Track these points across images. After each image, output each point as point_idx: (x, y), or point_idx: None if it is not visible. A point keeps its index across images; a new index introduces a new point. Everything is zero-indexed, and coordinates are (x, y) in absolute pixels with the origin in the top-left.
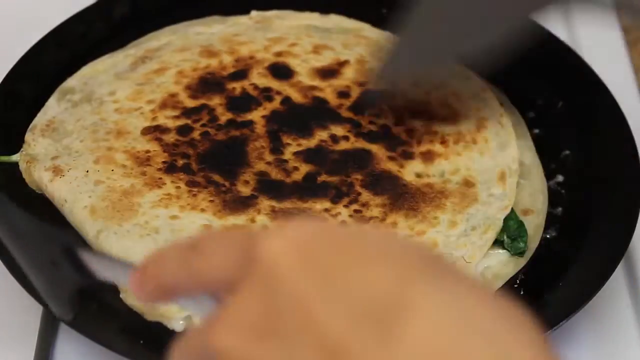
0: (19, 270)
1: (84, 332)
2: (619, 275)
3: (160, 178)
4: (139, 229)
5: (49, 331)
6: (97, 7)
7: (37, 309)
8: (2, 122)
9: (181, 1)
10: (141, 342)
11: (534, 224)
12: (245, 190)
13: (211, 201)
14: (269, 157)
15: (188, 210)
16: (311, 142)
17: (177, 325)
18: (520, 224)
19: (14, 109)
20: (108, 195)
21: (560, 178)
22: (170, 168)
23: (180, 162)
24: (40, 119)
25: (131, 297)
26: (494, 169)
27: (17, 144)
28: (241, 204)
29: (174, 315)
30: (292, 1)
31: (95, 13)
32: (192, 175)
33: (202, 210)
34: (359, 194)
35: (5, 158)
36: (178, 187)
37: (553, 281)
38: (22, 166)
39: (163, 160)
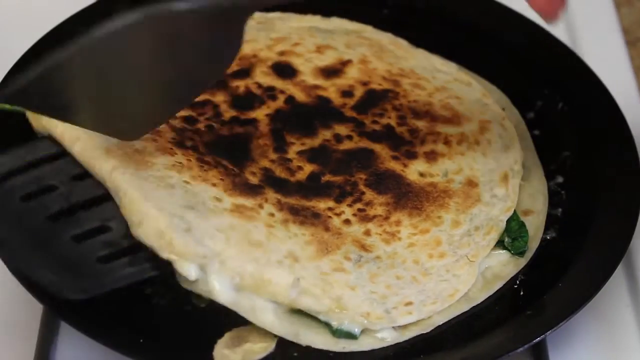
0: (19, 270)
1: (85, 332)
2: (619, 275)
3: (172, 149)
4: (155, 180)
5: (50, 331)
6: (96, 7)
7: (37, 309)
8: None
9: None
10: (141, 340)
11: (534, 225)
12: (252, 179)
13: (221, 180)
14: (273, 156)
15: (199, 182)
16: (315, 142)
17: (189, 270)
18: (522, 225)
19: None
20: (123, 147)
21: (560, 179)
22: (179, 144)
23: (189, 143)
24: None
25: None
26: (497, 169)
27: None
28: (250, 189)
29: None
30: (294, 4)
31: (95, 13)
32: (201, 155)
33: (214, 184)
34: (363, 193)
35: (9, 107)
36: (189, 160)
37: (553, 282)
38: (29, 113)
39: (172, 136)
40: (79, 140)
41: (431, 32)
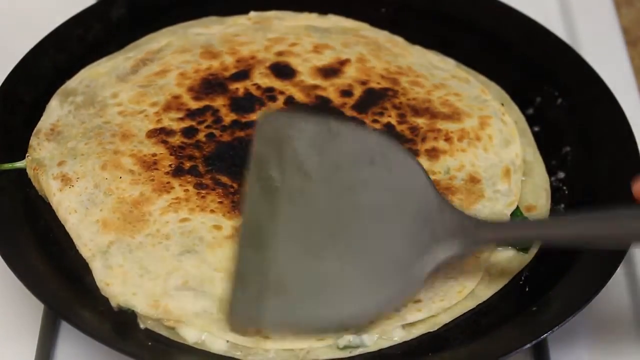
0: (20, 269)
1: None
2: (619, 275)
3: (169, 182)
4: (151, 239)
5: (50, 330)
6: (94, 9)
7: (38, 309)
8: (2, 127)
9: (178, 2)
10: (150, 344)
11: None
12: None
13: (220, 202)
14: None
15: (197, 212)
16: None
17: (187, 334)
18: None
19: (14, 113)
20: (119, 207)
21: (561, 174)
22: (177, 171)
23: (188, 164)
24: (44, 122)
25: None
26: (499, 165)
27: (19, 149)
28: None
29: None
30: (290, 1)
31: (92, 15)
32: (199, 178)
33: (212, 211)
34: None
35: (9, 165)
36: (186, 190)
37: (558, 278)
38: (30, 173)
39: (170, 163)
40: (75, 212)
41: (427, 29)
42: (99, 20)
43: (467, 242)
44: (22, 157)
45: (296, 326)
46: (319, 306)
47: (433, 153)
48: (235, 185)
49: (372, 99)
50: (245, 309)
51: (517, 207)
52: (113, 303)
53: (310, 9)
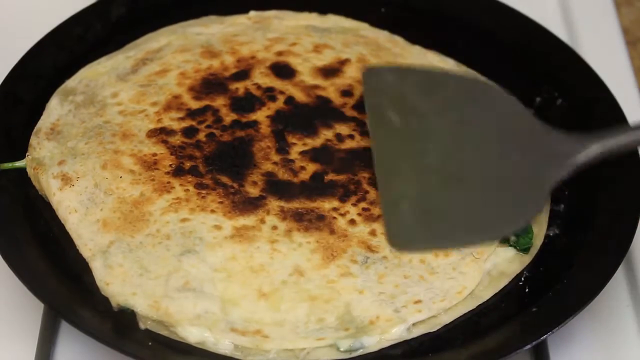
0: (20, 269)
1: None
2: (619, 275)
3: (169, 182)
4: (151, 239)
5: (50, 330)
6: (94, 8)
7: (38, 308)
8: (2, 127)
9: (178, 1)
10: (150, 343)
11: (538, 222)
12: (253, 191)
13: (220, 202)
14: (276, 157)
15: (198, 212)
16: (317, 142)
17: (188, 334)
18: None
19: (14, 112)
20: (119, 207)
21: None
22: (177, 171)
23: (188, 164)
24: (44, 122)
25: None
26: None
27: (19, 148)
28: (250, 204)
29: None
30: (289, 1)
31: (92, 14)
32: (200, 178)
33: (212, 211)
34: (367, 192)
35: (9, 165)
36: (187, 190)
37: (558, 278)
38: (30, 172)
39: (170, 163)
40: (75, 212)
41: (427, 29)
42: (98, 19)
43: (578, 158)
44: (22, 157)
45: (444, 244)
46: (461, 226)
47: None
48: (235, 185)
49: None
50: (401, 234)
51: None
52: (113, 303)
53: (310, 9)
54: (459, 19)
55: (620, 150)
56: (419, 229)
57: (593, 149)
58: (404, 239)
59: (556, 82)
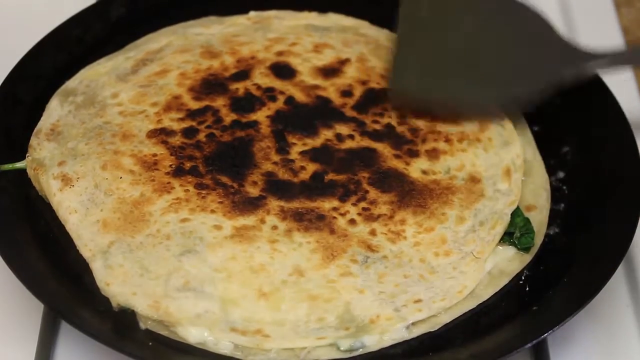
0: (20, 269)
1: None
2: (618, 274)
3: (169, 182)
4: (151, 239)
5: (50, 331)
6: (94, 9)
7: (38, 309)
8: (2, 127)
9: (178, 2)
10: (150, 343)
11: (538, 220)
12: (253, 191)
13: (220, 202)
14: (276, 157)
15: (198, 212)
16: (317, 142)
17: (188, 334)
18: (527, 221)
19: (14, 113)
20: (119, 207)
21: (561, 174)
22: (178, 171)
23: (188, 164)
24: (45, 122)
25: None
26: (499, 164)
27: (19, 149)
28: (250, 204)
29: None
30: (289, 0)
31: (92, 15)
32: (200, 178)
33: (212, 211)
34: (367, 191)
35: (9, 166)
36: (187, 191)
37: (558, 277)
38: (30, 173)
39: (170, 163)
40: (75, 213)
41: None
42: (98, 20)
43: (589, 65)
44: (23, 158)
45: (440, 94)
46: (462, 82)
47: (433, 153)
48: (235, 185)
49: (373, 99)
50: (406, 82)
51: (518, 207)
52: (113, 303)
53: (310, 8)
54: None
55: (625, 65)
56: (422, 81)
57: (603, 61)
58: (405, 85)
59: None
